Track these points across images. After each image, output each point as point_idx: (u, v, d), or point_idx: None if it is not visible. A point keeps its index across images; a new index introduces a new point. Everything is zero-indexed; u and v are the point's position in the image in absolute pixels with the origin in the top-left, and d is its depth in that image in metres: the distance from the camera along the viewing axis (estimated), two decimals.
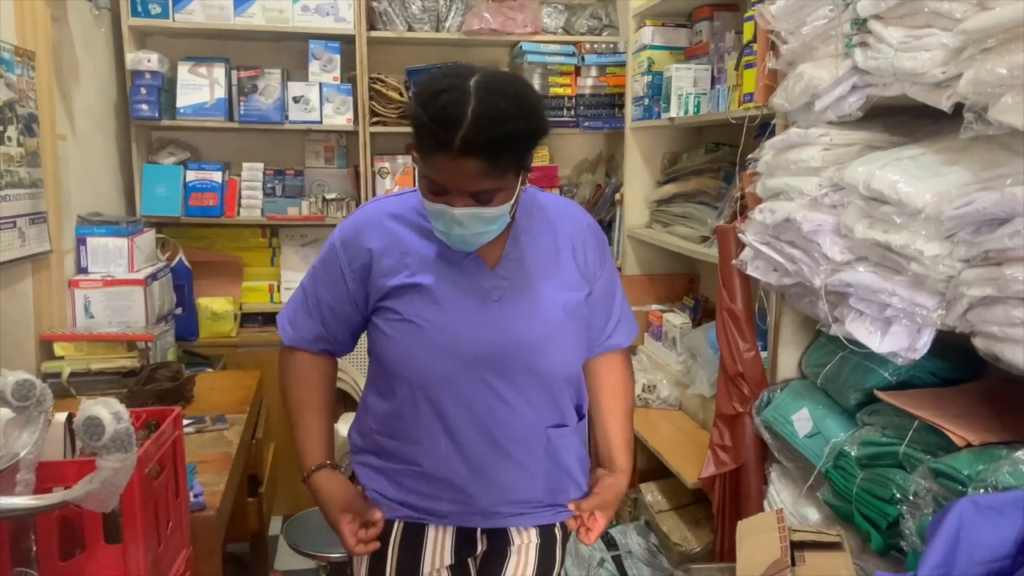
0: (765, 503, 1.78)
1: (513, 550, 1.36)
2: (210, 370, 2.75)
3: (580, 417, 1.39)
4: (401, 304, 1.24)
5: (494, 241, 1.25)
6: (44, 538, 1.18)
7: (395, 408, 1.29)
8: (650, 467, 2.57)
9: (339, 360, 1.42)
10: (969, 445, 1.24)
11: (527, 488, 1.32)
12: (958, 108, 1.18)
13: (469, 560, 1.37)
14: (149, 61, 2.84)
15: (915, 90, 1.30)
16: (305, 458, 1.34)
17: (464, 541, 1.34)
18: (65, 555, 1.21)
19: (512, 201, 1.17)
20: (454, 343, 1.23)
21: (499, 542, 1.36)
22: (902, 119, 1.51)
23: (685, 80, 2.44)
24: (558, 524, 1.39)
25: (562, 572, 1.44)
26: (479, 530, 1.35)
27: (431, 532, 1.33)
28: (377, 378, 1.33)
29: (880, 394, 1.46)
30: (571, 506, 1.35)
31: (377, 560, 1.33)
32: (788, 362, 1.81)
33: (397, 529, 1.33)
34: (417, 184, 1.20)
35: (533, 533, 1.37)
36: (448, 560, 1.33)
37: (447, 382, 1.24)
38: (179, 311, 2.83)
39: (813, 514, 1.62)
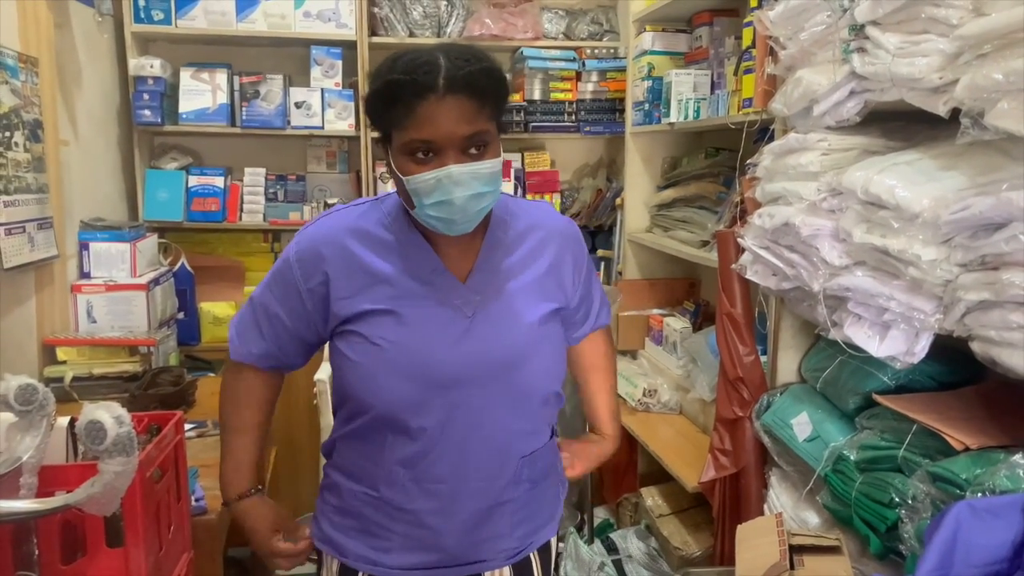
0: (765, 507, 1.79)
1: None
2: (212, 374, 2.75)
3: (552, 435, 1.32)
4: (365, 327, 1.16)
5: (465, 253, 1.20)
6: (46, 542, 1.19)
7: (357, 429, 1.21)
8: (650, 471, 2.57)
9: None
10: (967, 449, 1.24)
11: (497, 524, 1.22)
12: (955, 113, 1.19)
13: None
14: (152, 67, 2.85)
15: (912, 95, 1.30)
16: (231, 481, 1.30)
17: None
18: (67, 559, 1.22)
19: (500, 159, 1.12)
20: (424, 365, 1.14)
21: None
22: (900, 124, 1.52)
23: (685, 85, 2.45)
24: (534, 553, 1.30)
25: None
26: None
27: None
28: (340, 408, 1.26)
29: (879, 398, 1.46)
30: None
31: None
32: (788, 366, 1.82)
33: None
34: (395, 167, 1.10)
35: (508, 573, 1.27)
36: None
37: (415, 409, 1.15)
38: (181, 316, 2.84)
39: (812, 518, 1.62)
